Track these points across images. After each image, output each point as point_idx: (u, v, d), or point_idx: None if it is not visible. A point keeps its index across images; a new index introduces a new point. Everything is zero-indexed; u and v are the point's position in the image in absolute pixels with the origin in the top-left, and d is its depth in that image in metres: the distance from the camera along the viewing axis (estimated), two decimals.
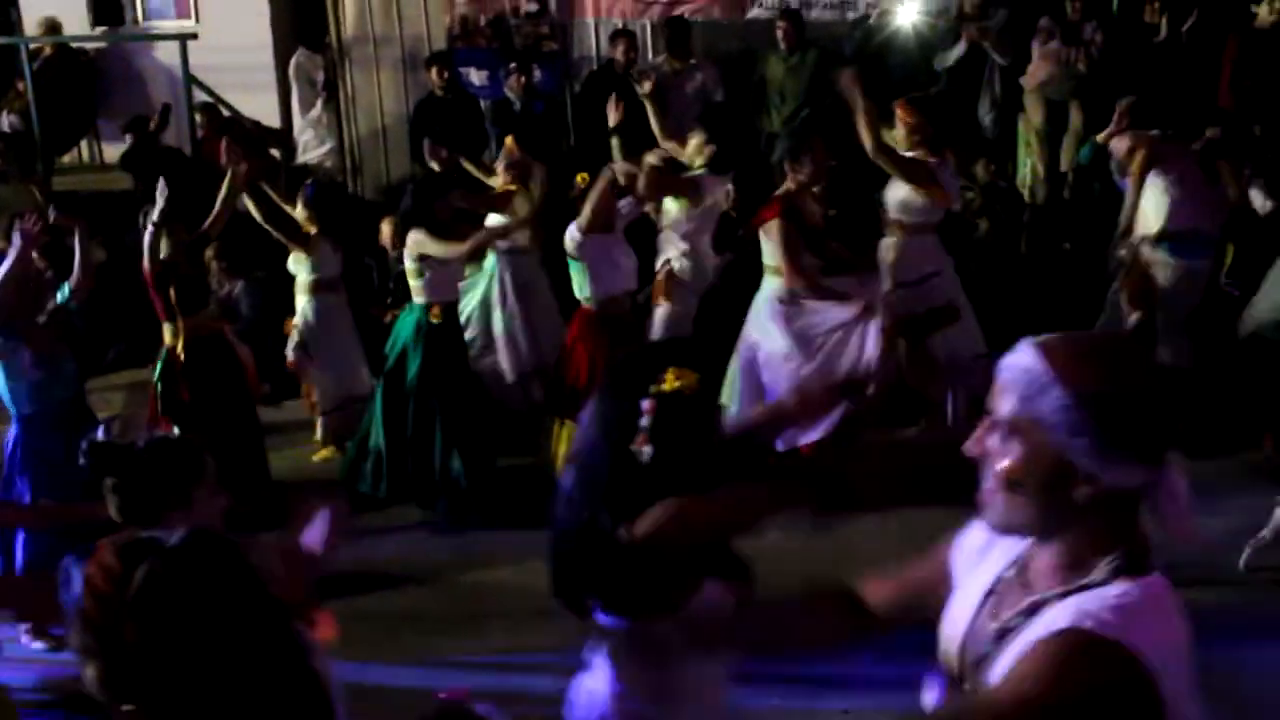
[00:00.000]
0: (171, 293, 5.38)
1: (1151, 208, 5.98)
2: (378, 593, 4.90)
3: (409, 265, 5.60)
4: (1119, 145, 6.19)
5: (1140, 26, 8.20)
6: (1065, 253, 7.99)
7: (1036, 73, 8.15)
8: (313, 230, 6.10)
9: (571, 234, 5.42)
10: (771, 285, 5.40)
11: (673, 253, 6.07)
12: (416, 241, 5.47)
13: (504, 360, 6.45)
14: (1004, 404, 1.56)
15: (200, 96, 8.82)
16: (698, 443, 2.36)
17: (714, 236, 6.36)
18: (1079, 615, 1.48)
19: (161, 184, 5.36)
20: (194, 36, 8.88)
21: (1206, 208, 6.03)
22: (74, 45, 9.56)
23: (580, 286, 5.54)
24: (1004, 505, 1.58)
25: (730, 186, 7.03)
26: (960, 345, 5.53)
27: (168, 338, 5.47)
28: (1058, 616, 1.51)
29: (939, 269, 5.56)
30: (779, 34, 8.23)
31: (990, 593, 1.69)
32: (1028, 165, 8.38)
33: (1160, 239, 5.95)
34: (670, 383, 2.34)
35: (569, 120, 8.67)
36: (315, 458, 6.32)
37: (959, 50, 8.21)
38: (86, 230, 5.15)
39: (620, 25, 8.67)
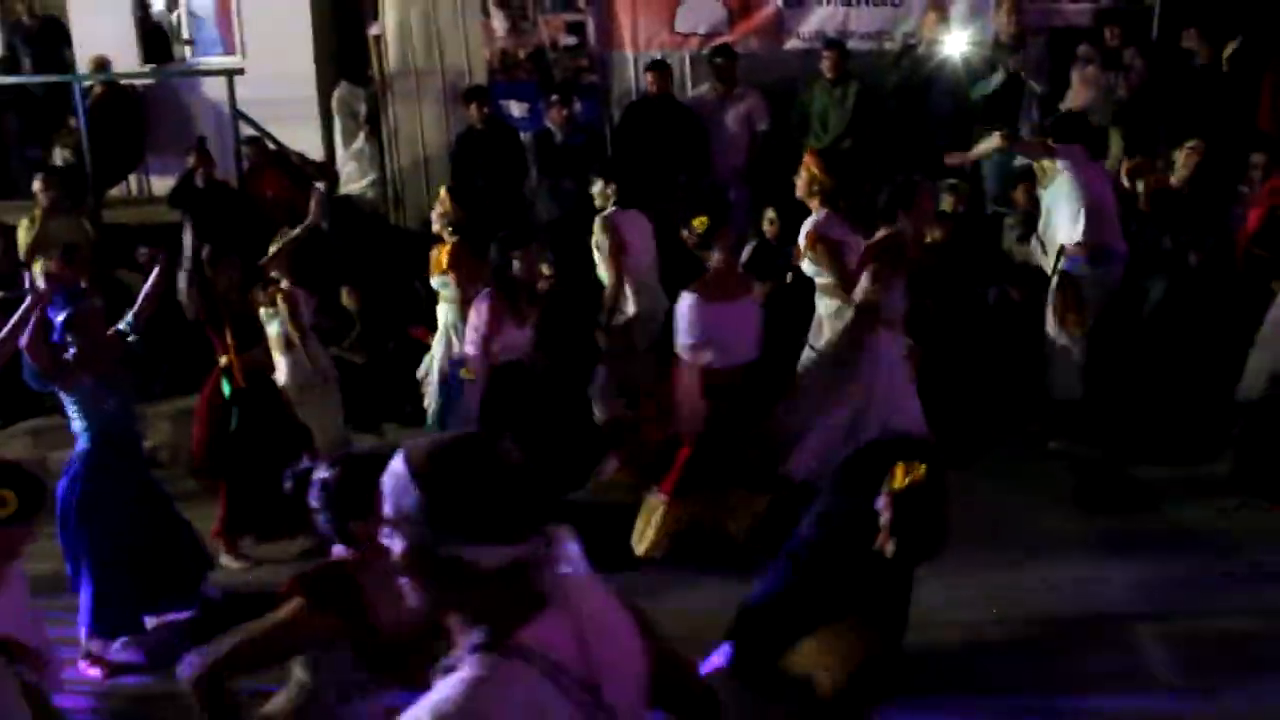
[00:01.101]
0: (227, 331, 5.46)
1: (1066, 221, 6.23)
2: None
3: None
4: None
5: (1180, 52, 8.19)
6: None
7: (1076, 99, 8.16)
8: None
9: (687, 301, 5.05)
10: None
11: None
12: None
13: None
14: (385, 505, 1.73)
15: (246, 130, 8.98)
16: (934, 529, 2.45)
17: (752, 263, 6.42)
18: (431, 704, 1.64)
19: (188, 233, 5.52)
20: (240, 72, 9.04)
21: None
22: (123, 82, 9.76)
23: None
24: (410, 591, 1.74)
25: (772, 213, 7.11)
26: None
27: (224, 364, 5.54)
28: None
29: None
30: (825, 64, 8.30)
31: None
32: None
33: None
34: (900, 480, 2.40)
35: (608, 152, 8.74)
36: None
37: (997, 79, 8.23)
38: (166, 261, 5.26)
39: (658, 56, 8.76)
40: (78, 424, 4.72)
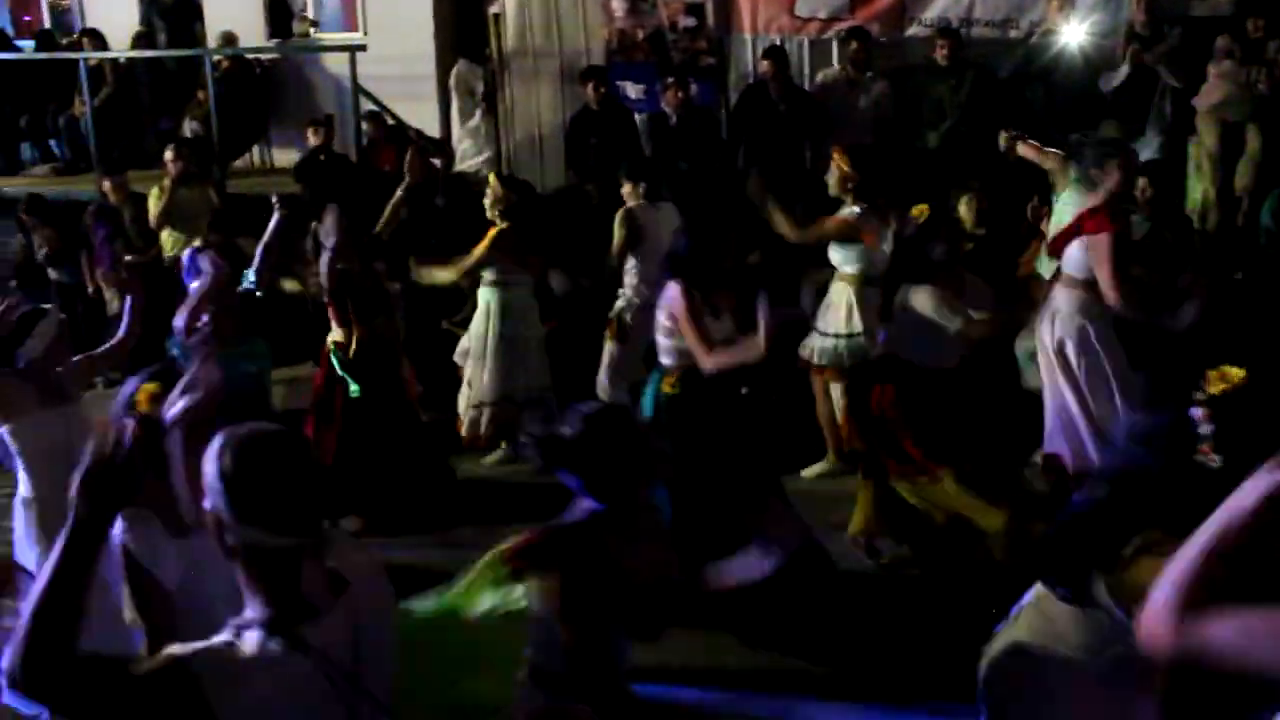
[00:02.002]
0: (349, 303, 5.58)
1: None
2: None
3: None
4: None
5: None
6: (1237, 282, 7.66)
7: (1211, 93, 7.85)
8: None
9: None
10: (1071, 300, 5.17)
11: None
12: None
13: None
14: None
15: (366, 105, 9.14)
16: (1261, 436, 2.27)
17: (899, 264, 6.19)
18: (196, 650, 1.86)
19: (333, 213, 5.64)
20: (363, 48, 9.20)
21: None
22: (250, 57, 10.02)
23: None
24: None
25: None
26: None
27: (338, 337, 5.66)
28: None
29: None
30: (939, 52, 8.12)
31: None
32: (1199, 190, 8.07)
33: None
34: (1216, 384, 2.28)
35: (723, 136, 8.70)
36: (486, 461, 6.44)
37: (1124, 71, 7.97)
38: (286, 214, 5.41)
39: (777, 41, 8.68)
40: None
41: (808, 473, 6.02)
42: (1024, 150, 6.10)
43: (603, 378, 6.67)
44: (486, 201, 6.25)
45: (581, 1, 9.03)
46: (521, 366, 6.33)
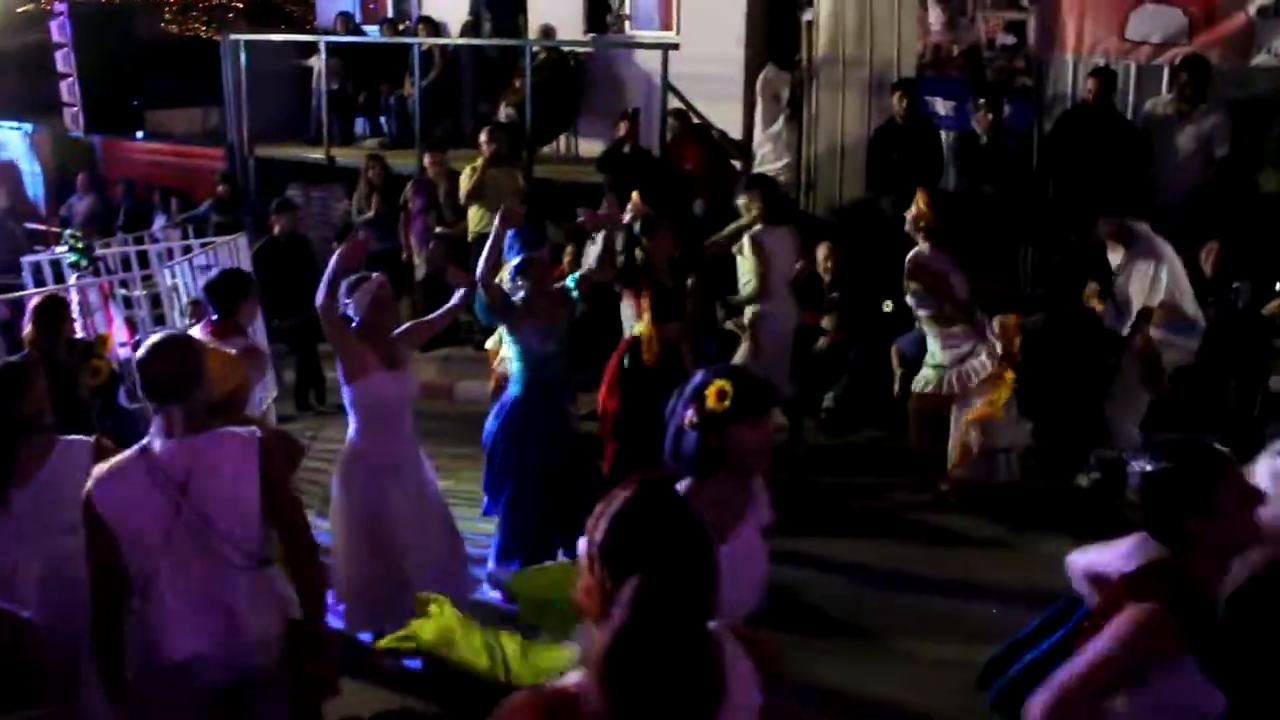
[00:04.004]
0: (644, 297, 5.68)
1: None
2: None
3: None
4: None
5: None
6: None
7: None
8: None
9: None
10: None
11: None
12: None
13: None
14: None
15: (672, 103, 9.33)
16: None
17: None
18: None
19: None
20: (675, 46, 9.40)
21: None
22: (565, 49, 10.45)
23: None
24: None
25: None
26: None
27: (638, 329, 5.77)
28: None
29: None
30: None
31: None
32: None
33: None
34: None
35: (1034, 161, 8.33)
36: None
37: None
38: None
39: (1103, 64, 8.22)
40: (514, 365, 5.08)
41: None
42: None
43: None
44: (910, 216, 6.17)
45: (898, 12, 8.87)
46: None
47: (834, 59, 9.07)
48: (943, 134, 8.52)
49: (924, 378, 6.17)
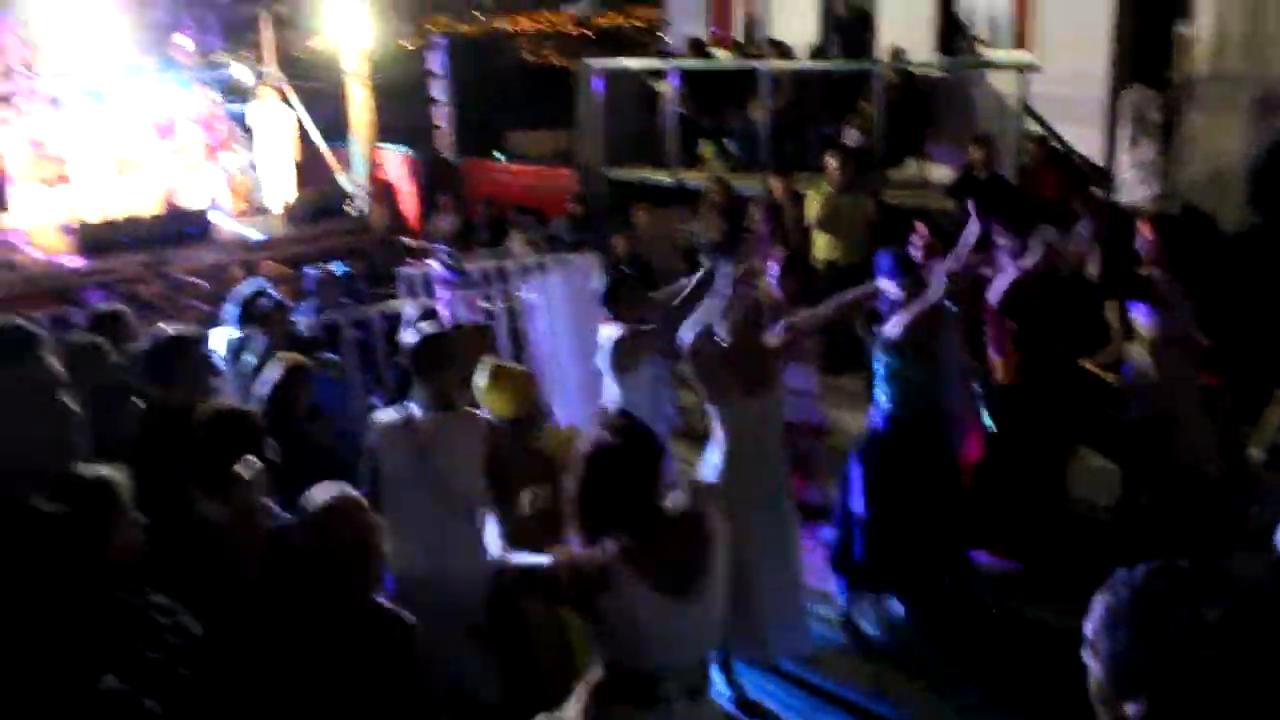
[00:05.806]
0: (1008, 323, 5.51)
1: None
2: None
3: None
4: None
5: None
6: None
7: None
8: None
9: None
10: None
11: None
12: None
13: None
14: None
15: (1029, 126, 8.97)
16: None
17: None
18: None
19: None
20: (1035, 67, 9.05)
21: None
22: (917, 72, 10.27)
23: None
24: None
25: None
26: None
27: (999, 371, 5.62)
28: None
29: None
30: None
31: None
32: None
33: None
34: None
35: None
36: None
37: None
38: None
39: None
40: (881, 388, 5.07)
41: None
42: None
43: None
44: None
45: None
46: None
47: (1215, 77, 8.43)
48: None
49: None
